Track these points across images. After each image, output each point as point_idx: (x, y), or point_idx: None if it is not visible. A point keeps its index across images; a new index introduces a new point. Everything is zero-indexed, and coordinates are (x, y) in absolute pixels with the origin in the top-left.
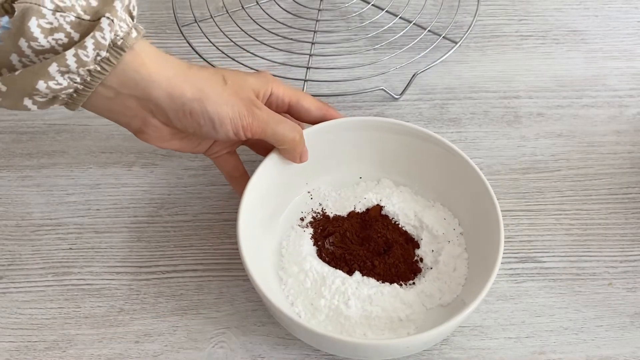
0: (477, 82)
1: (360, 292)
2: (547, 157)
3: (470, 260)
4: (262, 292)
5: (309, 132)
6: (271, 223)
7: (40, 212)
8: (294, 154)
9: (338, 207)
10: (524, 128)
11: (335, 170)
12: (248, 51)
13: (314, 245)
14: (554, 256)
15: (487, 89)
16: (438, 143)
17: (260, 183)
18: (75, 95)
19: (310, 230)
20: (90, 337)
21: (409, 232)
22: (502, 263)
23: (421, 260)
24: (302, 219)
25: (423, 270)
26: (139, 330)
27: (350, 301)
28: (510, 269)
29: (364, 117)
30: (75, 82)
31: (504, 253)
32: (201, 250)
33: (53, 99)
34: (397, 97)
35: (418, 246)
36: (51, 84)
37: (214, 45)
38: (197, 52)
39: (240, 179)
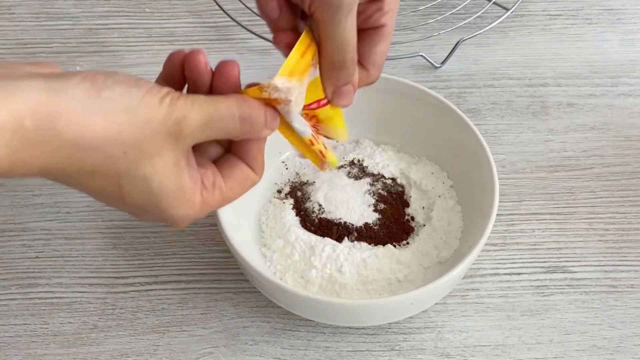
0: (499, 68)
1: (353, 257)
2: (578, 153)
3: (464, 212)
4: (252, 266)
5: None
6: (246, 200)
7: (2, 216)
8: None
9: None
10: (552, 120)
11: None
12: None
13: (296, 215)
14: (586, 265)
15: (510, 76)
16: (415, 93)
17: None
18: None
19: (291, 200)
20: (60, 358)
21: None
22: (527, 274)
23: (412, 219)
24: (279, 191)
25: (416, 228)
26: (115, 350)
27: (343, 267)
28: (537, 280)
29: None
30: None
31: (528, 262)
32: (185, 259)
33: None
34: (438, 65)
35: (408, 204)
36: None
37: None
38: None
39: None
